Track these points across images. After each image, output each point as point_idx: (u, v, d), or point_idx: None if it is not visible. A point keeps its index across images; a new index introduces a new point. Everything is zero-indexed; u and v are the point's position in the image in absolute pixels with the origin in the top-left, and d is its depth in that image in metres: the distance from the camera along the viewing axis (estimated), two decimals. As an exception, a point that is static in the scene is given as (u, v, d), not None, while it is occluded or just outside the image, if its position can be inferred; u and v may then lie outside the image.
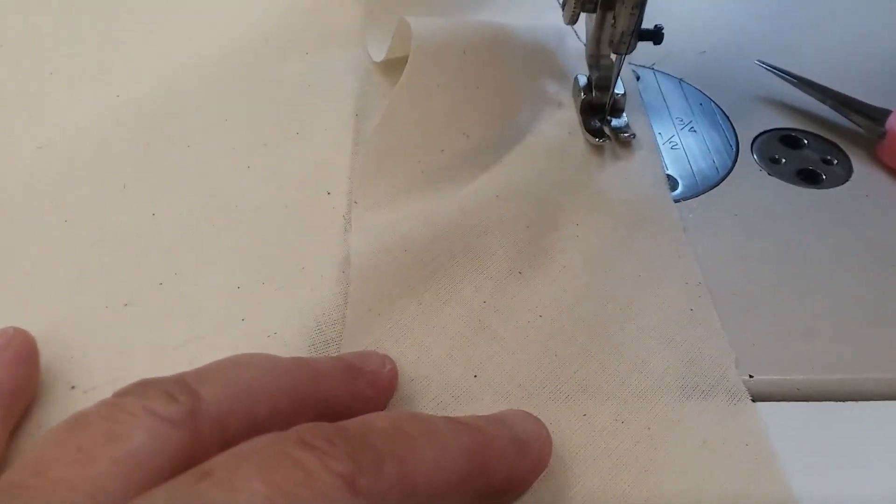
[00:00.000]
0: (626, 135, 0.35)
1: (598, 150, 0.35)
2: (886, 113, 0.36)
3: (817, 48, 0.43)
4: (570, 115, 0.36)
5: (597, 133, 0.35)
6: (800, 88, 0.38)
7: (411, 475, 0.18)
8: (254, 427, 0.20)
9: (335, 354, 0.26)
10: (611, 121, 0.35)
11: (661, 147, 0.36)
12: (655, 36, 0.33)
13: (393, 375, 0.25)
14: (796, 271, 0.30)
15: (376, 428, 0.19)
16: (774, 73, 0.39)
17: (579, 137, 0.35)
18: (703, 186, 0.34)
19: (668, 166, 0.35)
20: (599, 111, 0.36)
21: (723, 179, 0.35)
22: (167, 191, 0.32)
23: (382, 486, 0.17)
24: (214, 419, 0.19)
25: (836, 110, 0.37)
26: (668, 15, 0.36)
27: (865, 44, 0.44)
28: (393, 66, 0.36)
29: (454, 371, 0.26)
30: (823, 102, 0.38)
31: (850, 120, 0.37)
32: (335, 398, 0.22)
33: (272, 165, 0.33)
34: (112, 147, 0.34)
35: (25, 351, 0.24)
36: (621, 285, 0.29)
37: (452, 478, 0.19)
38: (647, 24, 0.32)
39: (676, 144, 0.36)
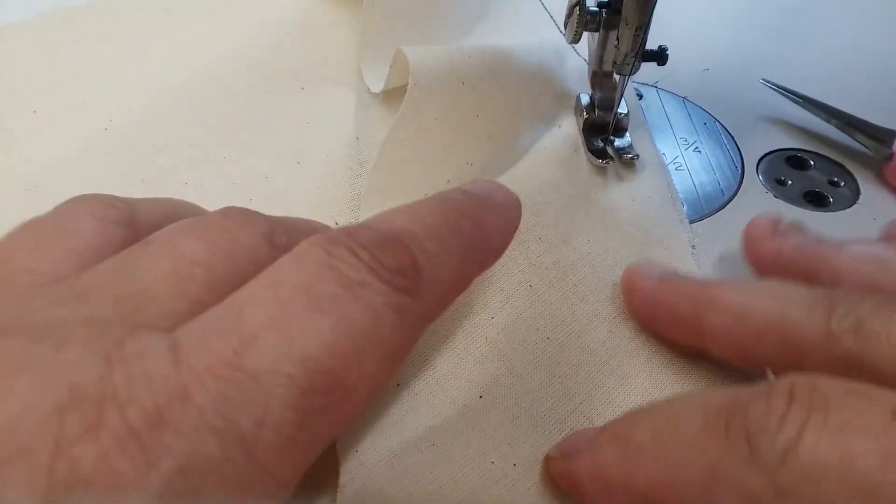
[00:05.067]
0: (629, 155, 0.34)
1: (602, 171, 0.34)
2: (893, 134, 0.35)
3: (822, 66, 0.43)
4: (572, 135, 0.36)
5: (600, 154, 0.34)
6: (805, 108, 0.38)
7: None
8: None
9: None
10: (613, 141, 0.35)
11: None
12: (659, 57, 0.32)
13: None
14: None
15: (278, 214, 0.22)
16: (779, 92, 0.39)
17: (583, 156, 0.35)
18: (708, 209, 0.34)
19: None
20: (602, 131, 0.35)
21: (728, 202, 0.34)
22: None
23: (291, 242, 0.19)
24: (149, 225, 0.21)
25: (842, 130, 0.37)
26: (670, 32, 0.36)
27: (871, 61, 0.43)
28: (392, 97, 0.36)
29: (459, 389, 0.25)
30: (829, 122, 0.37)
31: (857, 140, 0.36)
32: None
33: (274, 196, 0.32)
34: (105, 184, 0.32)
35: None
36: None
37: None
38: (650, 40, 0.32)
39: (681, 165, 0.36)
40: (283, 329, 0.16)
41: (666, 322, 0.26)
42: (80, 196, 0.21)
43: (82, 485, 0.13)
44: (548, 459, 0.23)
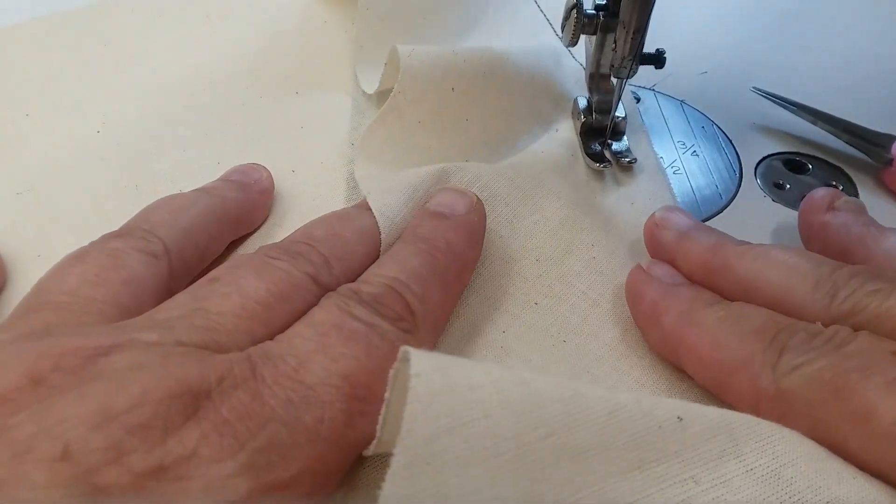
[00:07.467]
0: (627, 159, 0.34)
1: (600, 175, 0.34)
2: (891, 139, 0.35)
3: (819, 69, 0.43)
4: (570, 139, 0.35)
5: (598, 157, 0.34)
6: (799, 115, 0.38)
7: (351, 269, 0.25)
8: (201, 254, 0.26)
9: None
10: (611, 144, 0.35)
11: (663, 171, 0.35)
12: (657, 60, 0.32)
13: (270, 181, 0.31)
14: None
15: (317, 237, 0.25)
16: (771, 99, 0.38)
17: (581, 160, 0.34)
18: (706, 213, 0.33)
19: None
20: (600, 134, 0.35)
21: (726, 206, 0.34)
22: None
23: (333, 279, 0.24)
24: (176, 253, 0.25)
25: (837, 136, 0.36)
26: (668, 35, 0.36)
27: (868, 66, 0.43)
28: (386, 99, 0.35)
29: None
30: (815, 125, 0.37)
31: (853, 146, 0.36)
32: (241, 213, 0.29)
33: None
34: (98, 189, 0.32)
35: None
36: None
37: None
38: (648, 43, 0.31)
39: (679, 169, 0.36)
40: (327, 353, 0.20)
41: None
42: (118, 231, 0.25)
43: (189, 453, 0.17)
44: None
